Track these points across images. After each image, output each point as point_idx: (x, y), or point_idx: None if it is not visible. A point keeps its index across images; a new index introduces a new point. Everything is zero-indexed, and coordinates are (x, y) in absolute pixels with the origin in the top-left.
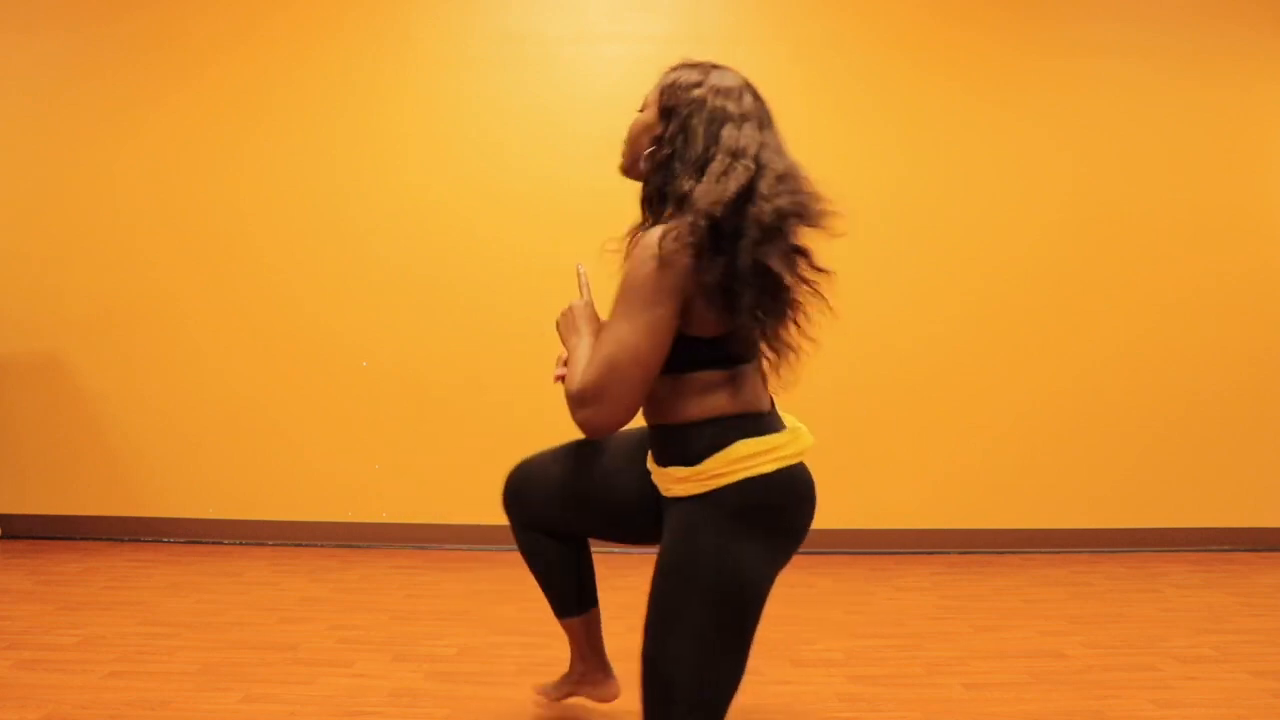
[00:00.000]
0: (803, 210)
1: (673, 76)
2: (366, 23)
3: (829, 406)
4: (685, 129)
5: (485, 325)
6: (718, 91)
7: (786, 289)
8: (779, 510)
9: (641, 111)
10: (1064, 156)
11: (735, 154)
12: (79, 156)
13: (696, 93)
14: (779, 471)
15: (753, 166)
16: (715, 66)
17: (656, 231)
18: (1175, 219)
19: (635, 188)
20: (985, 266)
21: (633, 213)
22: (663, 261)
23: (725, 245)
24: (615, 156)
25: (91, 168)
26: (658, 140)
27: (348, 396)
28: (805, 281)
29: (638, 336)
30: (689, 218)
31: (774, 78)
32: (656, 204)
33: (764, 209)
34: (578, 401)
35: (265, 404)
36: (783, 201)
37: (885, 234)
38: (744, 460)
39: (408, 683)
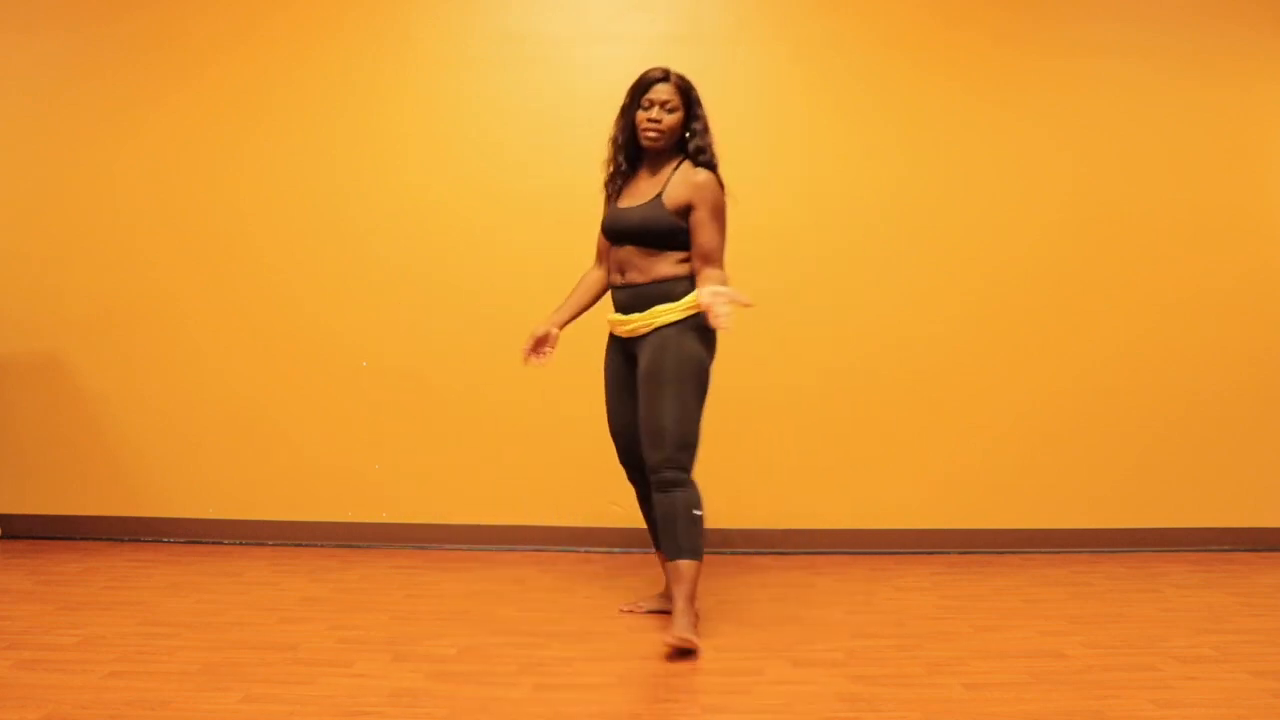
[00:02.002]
0: None
1: (683, 83)
2: (366, 23)
3: (829, 406)
4: (701, 119)
5: (485, 325)
6: (700, 102)
7: None
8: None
9: (671, 110)
10: (1064, 157)
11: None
12: (79, 156)
13: (700, 103)
14: None
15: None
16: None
17: (710, 175)
18: (1175, 219)
19: None
20: (985, 266)
21: None
22: (724, 194)
23: None
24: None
25: (91, 168)
26: (688, 126)
27: (348, 396)
28: None
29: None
30: (715, 171)
31: (774, 78)
32: (694, 155)
33: None
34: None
35: (265, 404)
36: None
37: (885, 234)
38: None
39: (408, 683)
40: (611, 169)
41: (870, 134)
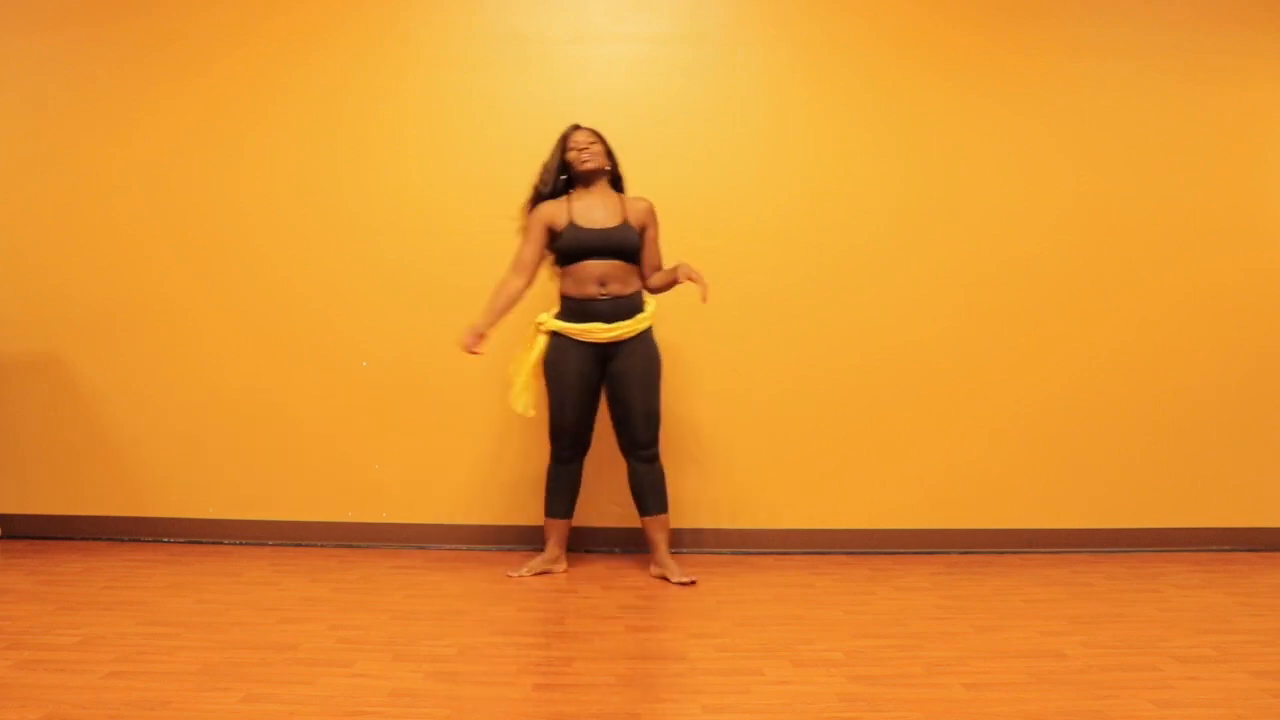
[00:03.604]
0: None
1: (597, 131)
2: (367, 23)
3: (830, 406)
4: (613, 156)
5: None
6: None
7: None
8: None
9: (594, 144)
10: (1064, 157)
11: None
12: (79, 156)
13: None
14: None
15: None
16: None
17: (648, 200)
18: (1176, 219)
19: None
20: (986, 266)
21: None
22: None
23: None
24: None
25: (92, 168)
26: (609, 159)
27: (348, 396)
28: None
29: None
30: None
31: (774, 78)
32: (613, 184)
33: None
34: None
35: (265, 404)
36: None
37: (885, 234)
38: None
39: (408, 683)
40: (546, 191)
41: (870, 134)
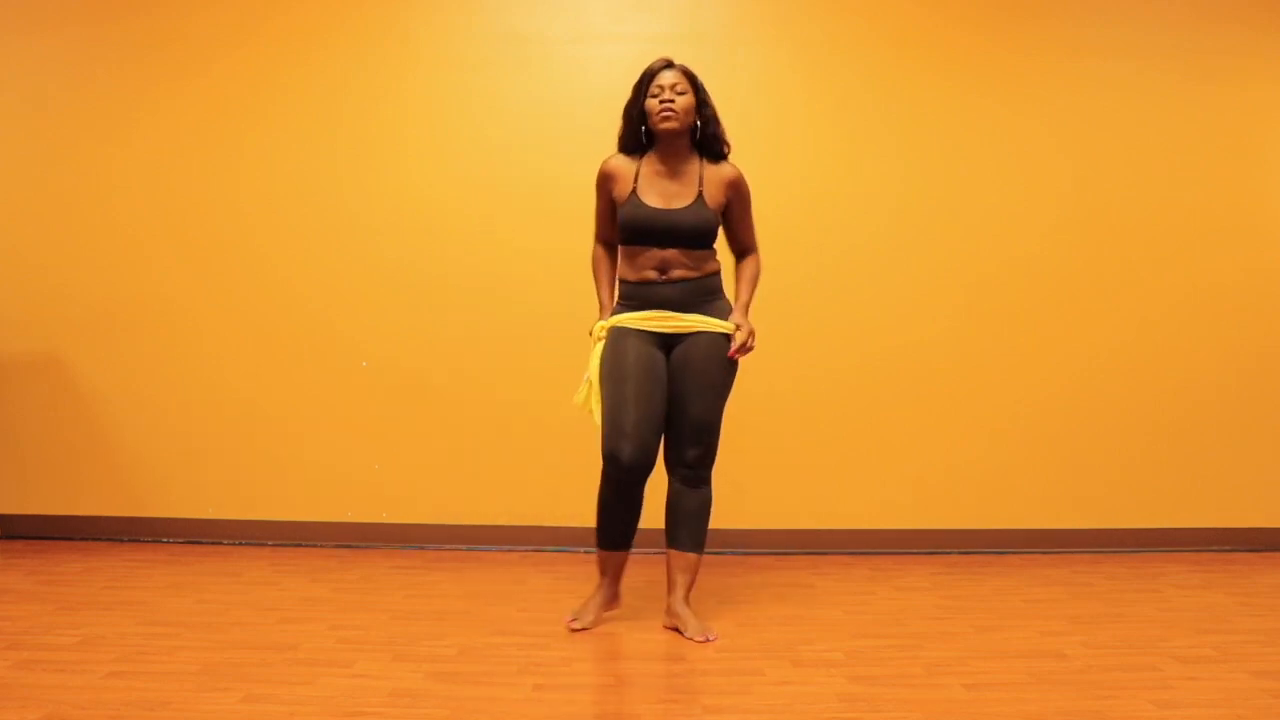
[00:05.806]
0: None
1: (688, 70)
2: (367, 23)
3: (830, 406)
4: (710, 106)
5: (485, 325)
6: (705, 89)
7: None
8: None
9: (683, 94)
10: (1064, 157)
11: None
12: (79, 157)
13: (704, 87)
14: None
15: None
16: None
17: (738, 170)
18: (1176, 219)
19: None
20: (986, 266)
21: None
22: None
23: None
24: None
25: (92, 168)
26: (699, 113)
27: (347, 396)
28: None
29: None
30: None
31: (774, 77)
32: (709, 146)
33: None
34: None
35: (265, 404)
36: None
37: (885, 234)
38: None
39: (408, 683)
40: (630, 146)
41: (870, 134)
